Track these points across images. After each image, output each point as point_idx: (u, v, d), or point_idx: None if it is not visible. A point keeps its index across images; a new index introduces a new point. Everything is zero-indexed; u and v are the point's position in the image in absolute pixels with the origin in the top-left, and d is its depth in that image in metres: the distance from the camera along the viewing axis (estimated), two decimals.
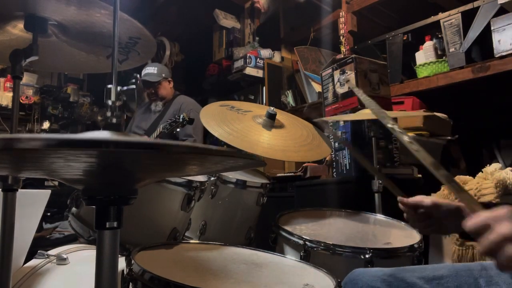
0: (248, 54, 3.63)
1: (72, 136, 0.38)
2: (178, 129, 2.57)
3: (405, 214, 0.95)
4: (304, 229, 1.35)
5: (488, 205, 0.66)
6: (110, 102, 0.66)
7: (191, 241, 1.46)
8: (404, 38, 2.61)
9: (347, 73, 2.05)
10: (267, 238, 1.34)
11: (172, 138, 2.85)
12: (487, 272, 0.79)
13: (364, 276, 0.84)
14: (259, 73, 3.65)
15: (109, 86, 0.67)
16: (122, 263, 0.85)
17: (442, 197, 1.72)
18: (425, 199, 0.91)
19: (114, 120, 0.64)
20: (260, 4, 3.80)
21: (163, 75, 3.05)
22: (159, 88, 3.04)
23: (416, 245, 1.22)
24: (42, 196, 1.38)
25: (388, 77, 2.14)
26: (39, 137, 0.36)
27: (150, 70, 3.05)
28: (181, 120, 2.47)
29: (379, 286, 0.80)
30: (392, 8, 2.92)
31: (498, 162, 2.49)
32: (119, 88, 0.66)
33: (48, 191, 1.41)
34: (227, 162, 0.57)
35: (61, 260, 1.18)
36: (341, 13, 2.97)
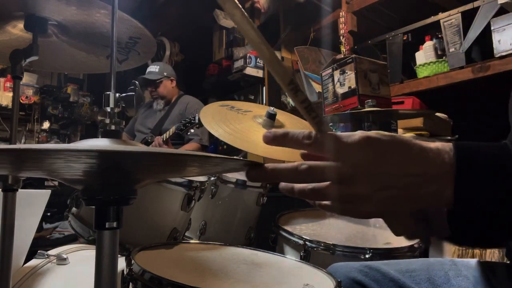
0: (248, 54, 3.63)
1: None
2: (192, 130, 2.58)
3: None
4: (304, 229, 1.35)
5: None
6: (108, 109, 0.65)
7: (191, 241, 1.46)
8: (404, 38, 2.61)
9: (347, 73, 2.05)
10: (267, 238, 1.34)
11: (179, 137, 2.86)
12: (457, 267, 0.83)
13: (343, 267, 0.90)
14: (259, 73, 3.65)
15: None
16: (122, 263, 0.85)
17: None
18: None
19: (113, 127, 0.64)
20: (260, 4, 3.79)
21: (165, 73, 3.07)
22: (159, 87, 3.05)
23: (416, 245, 1.22)
24: (42, 196, 1.38)
25: (388, 77, 2.14)
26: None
27: (152, 68, 3.09)
28: (196, 121, 2.48)
29: (356, 275, 0.84)
30: (392, 8, 2.91)
31: None
32: (117, 94, 0.65)
33: (48, 191, 1.41)
34: (227, 164, 0.57)
35: (61, 260, 1.18)
36: (341, 13, 2.97)
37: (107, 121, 0.64)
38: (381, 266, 0.85)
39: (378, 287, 0.82)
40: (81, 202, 1.32)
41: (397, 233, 0.53)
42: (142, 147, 0.65)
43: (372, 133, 0.48)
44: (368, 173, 0.47)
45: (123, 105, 0.67)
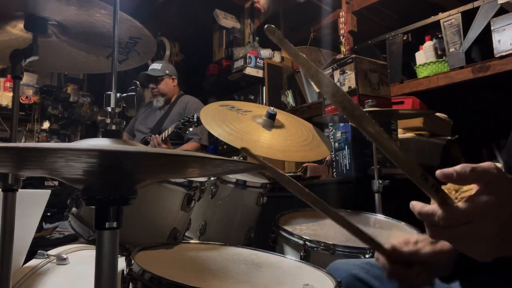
0: (248, 54, 3.63)
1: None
2: (191, 129, 2.58)
3: (388, 273, 0.71)
4: (304, 229, 1.35)
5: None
6: (109, 109, 0.65)
7: (191, 241, 1.46)
8: (404, 38, 2.62)
9: (347, 73, 2.05)
10: (267, 238, 1.34)
11: (178, 136, 2.86)
12: None
13: (344, 264, 0.92)
14: (259, 73, 3.65)
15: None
16: (122, 263, 0.85)
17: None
18: (422, 248, 0.68)
19: (113, 127, 0.64)
20: (260, 4, 3.80)
21: (167, 71, 3.09)
22: (160, 83, 3.07)
23: None
24: (42, 196, 1.38)
25: (388, 77, 2.14)
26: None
27: (155, 66, 3.11)
28: (195, 120, 2.49)
29: (357, 272, 0.86)
30: (392, 8, 2.92)
31: (498, 162, 2.49)
32: (118, 94, 0.66)
33: (48, 191, 1.41)
34: (227, 165, 0.57)
35: (61, 260, 1.18)
36: (341, 13, 2.97)
37: (108, 120, 0.64)
38: None
39: (379, 283, 0.82)
40: (81, 202, 1.32)
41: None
42: (142, 147, 0.65)
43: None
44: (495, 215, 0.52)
45: (124, 105, 0.67)
